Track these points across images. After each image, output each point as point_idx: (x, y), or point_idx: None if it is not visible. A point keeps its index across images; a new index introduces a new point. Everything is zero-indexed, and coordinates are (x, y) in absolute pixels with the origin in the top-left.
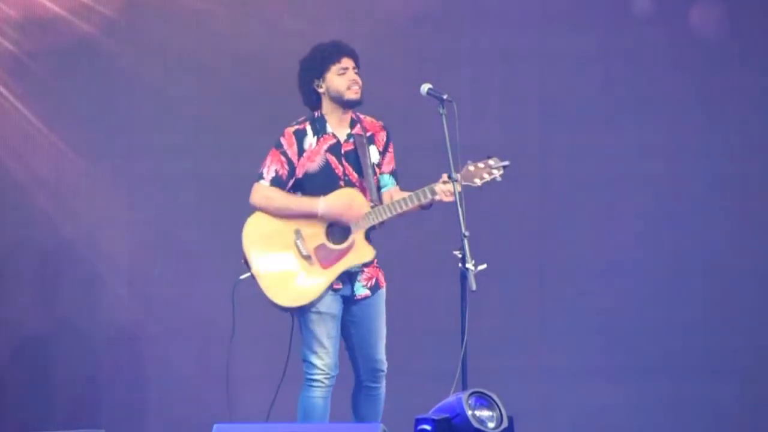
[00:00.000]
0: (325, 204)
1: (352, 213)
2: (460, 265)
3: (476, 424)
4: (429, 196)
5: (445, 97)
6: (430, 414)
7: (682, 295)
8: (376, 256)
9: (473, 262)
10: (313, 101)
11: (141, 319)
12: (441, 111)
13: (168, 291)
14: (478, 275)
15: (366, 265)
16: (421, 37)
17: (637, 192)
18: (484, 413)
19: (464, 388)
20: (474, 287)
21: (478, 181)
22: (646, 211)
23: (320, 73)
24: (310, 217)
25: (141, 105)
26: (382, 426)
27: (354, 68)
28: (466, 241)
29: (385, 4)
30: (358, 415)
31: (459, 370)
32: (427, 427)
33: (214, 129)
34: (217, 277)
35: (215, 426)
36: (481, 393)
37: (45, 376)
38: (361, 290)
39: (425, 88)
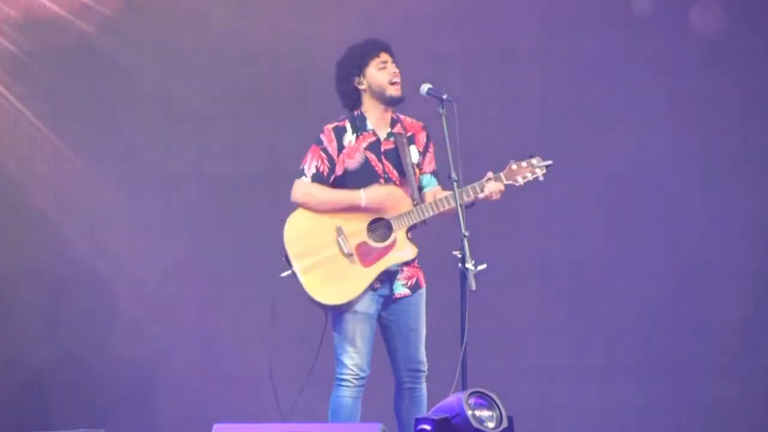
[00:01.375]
0: (366, 194)
1: (393, 202)
2: (460, 265)
3: (476, 424)
4: (472, 194)
5: (445, 97)
6: (430, 414)
7: (682, 296)
8: (418, 255)
9: (473, 262)
10: (353, 100)
11: (141, 319)
12: (441, 111)
13: (168, 291)
14: (478, 275)
15: (407, 263)
16: (421, 37)
17: (637, 192)
18: (484, 413)
19: (464, 388)
20: (474, 287)
21: (520, 180)
22: (646, 211)
23: (360, 70)
24: (352, 210)
25: (141, 105)
26: (382, 426)
27: (392, 62)
28: (466, 241)
29: (385, 4)
30: (402, 420)
31: (459, 370)
32: (427, 427)
33: (214, 129)
34: (217, 276)
35: (215, 426)
36: (481, 393)
37: (45, 376)
38: (400, 289)
39: (425, 88)
